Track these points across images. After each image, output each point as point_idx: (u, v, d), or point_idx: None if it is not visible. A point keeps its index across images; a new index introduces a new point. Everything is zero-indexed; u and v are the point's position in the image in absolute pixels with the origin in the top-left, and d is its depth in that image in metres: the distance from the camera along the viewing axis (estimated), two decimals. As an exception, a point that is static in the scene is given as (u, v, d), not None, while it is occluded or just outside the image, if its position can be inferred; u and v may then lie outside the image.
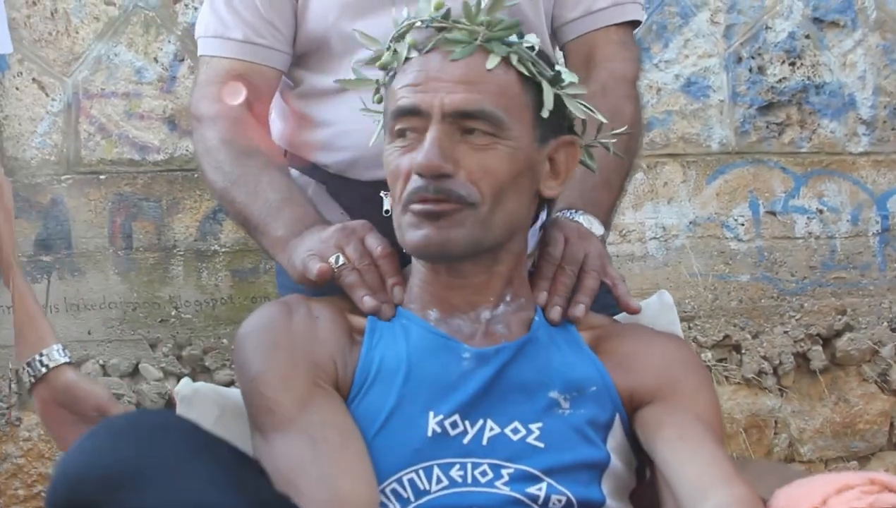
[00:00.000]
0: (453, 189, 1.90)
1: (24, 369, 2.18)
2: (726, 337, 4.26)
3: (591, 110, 2.04)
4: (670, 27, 4.28)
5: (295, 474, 1.81)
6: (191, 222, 4.15)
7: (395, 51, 2.01)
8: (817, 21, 4.33)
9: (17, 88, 4.14)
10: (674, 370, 2.00)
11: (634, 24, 2.48)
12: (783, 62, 4.33)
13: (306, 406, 1.89)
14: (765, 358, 4.26)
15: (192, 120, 2.40)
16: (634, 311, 2.10)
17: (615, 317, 2.16)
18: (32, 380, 2.17)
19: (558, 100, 2.00)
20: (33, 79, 4.14)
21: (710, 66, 4.32)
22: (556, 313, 2.03)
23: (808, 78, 4.33)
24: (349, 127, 2.29)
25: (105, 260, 4.12)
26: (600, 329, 2.07)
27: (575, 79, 2.03)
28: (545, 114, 1.98)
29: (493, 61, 1.94)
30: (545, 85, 1.98)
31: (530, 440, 1.90)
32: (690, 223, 4.27)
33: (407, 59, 1.98)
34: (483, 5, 1.98)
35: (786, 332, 4.28)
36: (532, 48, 1.99)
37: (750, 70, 4.33)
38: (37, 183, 4.11)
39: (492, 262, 1.99)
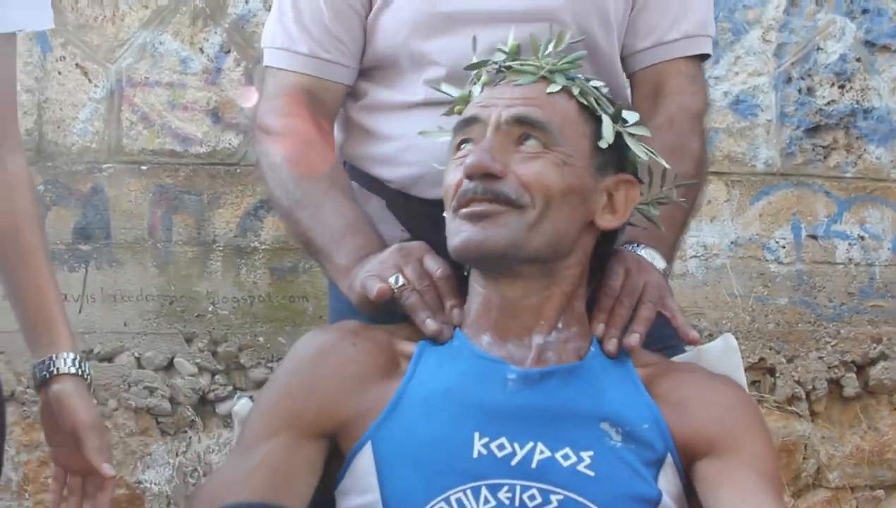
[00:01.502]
0: (502, 190, 1.92)
1: (33, 367, 2.14)
2: (761, 359, 4.25)
3: (653, 153, 2.04)
4: (722, 43, 4.25)
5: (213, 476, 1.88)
6: (231, 217, 4.13)
7: (469, 92, 2.07)
8: (869, 44, 4.31)
9: (59, 72, 4.11)
10: (733, 421, 1.97)
11: (704, 57, 2.47)
12: (832, 84, 4.31)
13: (267, 439, 1.93)
14: (798, 382, 4.25)
15: (258, 132, 2.39)
16: (693, 341, 2.09)
17: (674, 358, 2.14)
18: (38, 382, 2.13)
19: (619, 137, 2.02)
20: (76, 64, 4.11)
21: (759, 84, 4.29)
22: (612, 344, 2.02)
23: (857, 102, 4.31)
24: (415, 142, 2.27)
25: (143, 252, 4.10)
26: (656, 366, 2.05)
27: (636, 118, 2.04)
28: (603, 145, 1.99)
29: (553, 87, 1.99)
30: (605, 118, 2.01)
31: (581, 467, 1.88)
32: (732, 243, 4.25)
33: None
34: (550, 46, 2.05)
35: (820, 358, 4.26)
36: (597, 88, 2.04)
37: (799, 91, 4.30)
38: (77, 170, 4.09)
39: (545, 285, 1.98)
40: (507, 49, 2.07)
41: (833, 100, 4.30)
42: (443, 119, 2.15)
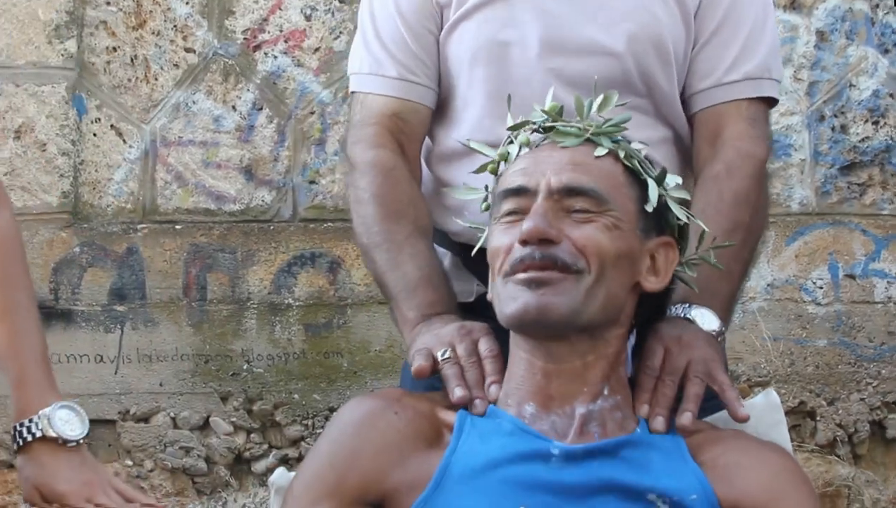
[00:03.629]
0: (559, 255, 1.91)
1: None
2: (801, 403, 4.20)
3: (692, 216, 2.03)
4: (752, 84, 4.22)
5: None
6: (265, 275, 4.15)
7: (507, 152, 2.04)
8: (903, 79, 4.27)
9: (94, 134, 4.16)
10: (779, 486, 1.95)
11: (770, 102, 2.41)
12: (866, 121, 4.27)
13: None
14: (840, 425, 4.20)
15: (347, 163, 2.42)
16: (742, 420, 2.03)
17: (714, 415, 2.10)
18: (14, 448, 2.09)
19: (661, 200, 2.00)
20: (111, 125, 4.16)
21: (792, 123, 4.27)
22: (659, 422, 1.99)
23: (892, 138, 4.27)
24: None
25: (178, 311, 4.13)
26: (702, 434, 2.03)
27: (679, 181, 2.02)
28: (649, 208, 1.98)
29: (600, 151, 1.97)
30: (650, 182, 1.99)
31: None
32: (768, 285, 4.22)
33: (518, 156, 2.02)
34: (594, 106, 2.02)
35: (862, 399, 4.21)
36: (639, 151, 2.01)
37: (832, 128, 4.27)
38: (112, 231, 4.13)
39: (588, 349, 1.96)
40: (546, 109, 2.04)
41: (867, 137, 4.26)
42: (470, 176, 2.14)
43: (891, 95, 4.26)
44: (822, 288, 4.24)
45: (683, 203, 2.05)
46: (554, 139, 2.00)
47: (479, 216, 2.14)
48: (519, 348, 2.00)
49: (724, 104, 2.35)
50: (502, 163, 2.06)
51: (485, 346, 2.06)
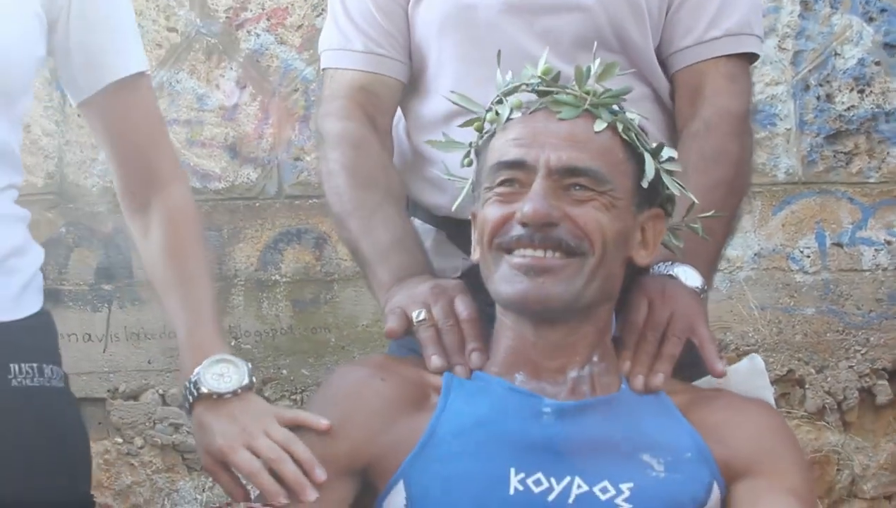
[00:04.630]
0: (563, 237, 1.90)
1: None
2: (790, 371, 4.20)
3: (684, 189, 2.02)
4: (737, 54, 4.21)
5: None
6: (252, 252, 4.15)
7: (496, 112, 2.01)
8: (888, 47, 4.25)
9: (78, 115, 4.12)
10: (767, 442, 1.96)
11: (751, 57, 2.40)
12: (852, 89, 4.26)
13: None
14: (829, 393, 4.20)
15: (317, 136, 2.42)
16: (719, 375, 2.05)
17: (699, 381, 2.11)
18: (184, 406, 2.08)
19: (656, 173, 1.99)
20: (96, 105, 4.14)
21: (777, 93, 4.26)
22: (638, 382, 2.01)
23: (878, 105, 4.26)
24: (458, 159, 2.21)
25: (166, 290, 4.10)
26: (688, 394, 2.04)
27: (674, 154, 2.02)
28: (645, 184, 1.97)
29: (600, 125, 1.95)
30: (647, 157, 1.98)
31: (619, 500, 1.87)
32: (755, 255, 4.21)
33: (508, 119, 1.98)
34: (593, 71, 1.99)
35: (850, 367, 4.21)
36: (634, 120, 1.99)
37: (818, 98, 4.26)
38: (98, 211, 4.12)
39: (580, 324, 1.97)
40: (540, 73, 2.02)
41: (853, 106, 4.25)
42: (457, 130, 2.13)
43: (876, 63, 4.24)
44: (809, 256, 4.23)
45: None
46: (551, 108, 1.97)
47: (459, 185, 2.11)
48: (508, 319, 2.00)
49: (704, 62, 2.34)
50: (489, 123, 2.03)
51: (461, 307, 2.05)
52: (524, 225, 1.90)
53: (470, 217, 2.07)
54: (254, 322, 4.12)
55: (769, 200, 4.24)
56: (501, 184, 1.95)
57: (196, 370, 2.02)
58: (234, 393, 2.00)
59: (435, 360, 2.01)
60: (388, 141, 2.40)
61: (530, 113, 1.97)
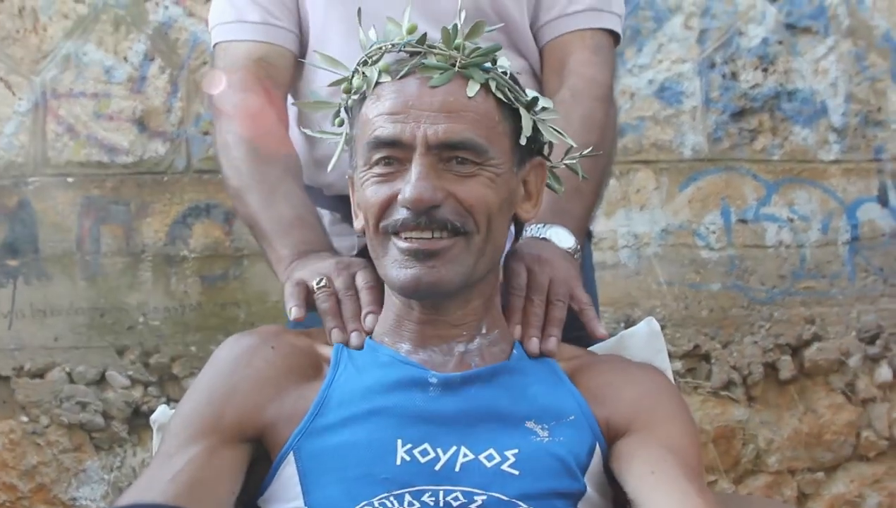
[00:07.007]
0: (448, 218, 1.89)
1: None
2: (696, 346, 4.26)
3: (563, 135, 2.02)
4: (644, 31, 4.26)
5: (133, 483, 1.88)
6: (160, 226, 4.09)
7: (364, 74, 1.97)
8: (790, 27, 4.31)
9: (-20, 88, 4.08)
10: (648, 400, 1.99)
11: (615, 37, 2.48)
12: (756, 68, 4.32)
13: (188, 446, 1.90)
14: (734, 367, 4.26)
15: (212, 110, 2.40)
16: (601, 337, 2.10)
17: (597, 345, 2.15)
18: None
19: (533, 125, 1.98)
20: (0, 77, 4.06)
21: (683, 71, 4.30)
22: (533, 345, 2.03)
23: (781, 84, 4.32)
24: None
25: (72, 265, 4.06)
26: (578, 359, 2.07)
27: (549, 104, 2.02)
28: (523, 141, 1.96)
29: (473, 88, 1.92)
30: (523, 113, 1.97)
31: (504, 467, 1.88)
32: (662, 231, 4.26)
33: (377, 83, 1.95)
34: (460, 29, 1.95)
35: (755, 342, 4.27)
36: (505, 72, 1.97)
37: (723, 76, 4.31)
38: (3, 185, 4.05)
39: (468, 300, 1.98)
40: (405, 31, 1.98)
41: (757, 84, 4.31)
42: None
43: (779, 42, 4.31)
44: (714, 232, 4.28)
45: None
46: (422, 74, 1.92)
47: (343, 164, 2.09)
48: (394, 295, 2.00)
49: (568, 34, 2.42)
50: (356, 85, 1.98)
51: (362, 279, 2.06)
52: (408, 209, 1.89)
53: (347, 179, 2.05)
54: (162, 298, 4.06)
55: (676, 177, 4.28)
56: (379, 162, 1.92)
57: None
58: None
59: (336, 334, 2.02)
60: (284, 115, 2.39)
61: (400, 78, 1.93)
